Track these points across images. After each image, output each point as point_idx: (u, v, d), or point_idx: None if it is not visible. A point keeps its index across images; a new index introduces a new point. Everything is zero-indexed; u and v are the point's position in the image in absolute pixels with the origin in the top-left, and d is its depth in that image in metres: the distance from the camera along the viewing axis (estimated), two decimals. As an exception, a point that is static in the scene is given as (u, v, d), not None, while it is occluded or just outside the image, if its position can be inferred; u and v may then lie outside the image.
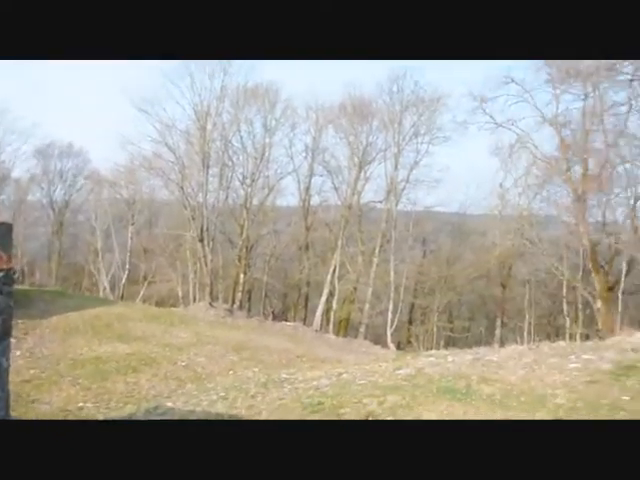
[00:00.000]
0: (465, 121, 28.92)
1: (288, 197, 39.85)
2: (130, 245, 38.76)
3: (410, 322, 36.59)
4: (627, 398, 7.72)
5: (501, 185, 32.32)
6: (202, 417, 9.04)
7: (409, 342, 33.32)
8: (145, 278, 38.32)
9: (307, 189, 37.03)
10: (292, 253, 38.40)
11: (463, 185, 47.49)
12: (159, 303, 33.45)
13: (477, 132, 30.16)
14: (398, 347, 31.08)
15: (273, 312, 36.24)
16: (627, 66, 21.95)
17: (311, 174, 36.89)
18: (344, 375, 10.35)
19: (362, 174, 34.84)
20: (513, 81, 26.18)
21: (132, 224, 39.08)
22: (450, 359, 10.64)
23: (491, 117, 27.39)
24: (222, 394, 10.43)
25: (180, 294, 35.74)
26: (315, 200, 37.70)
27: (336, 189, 36.32)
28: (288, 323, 31.05)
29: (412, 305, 36.72)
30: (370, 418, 7.47)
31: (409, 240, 34.86)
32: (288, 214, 38.88)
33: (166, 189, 36.16)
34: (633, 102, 23.25)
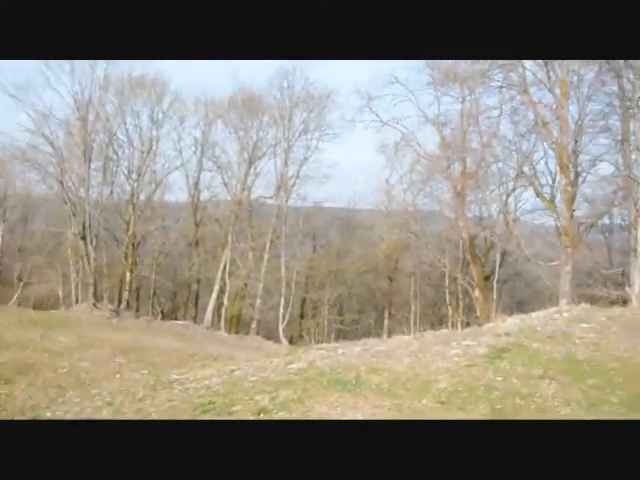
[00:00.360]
0: (353, 119, 29.60)
1: (177, 192, 38.71)
2: (1, 244, 35.79)
3: (302, 316, 36.99)
4: (500, 378, 8.34)
5: (387, 181, 33.55)
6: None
7: (301, 336, 33.70)
8: (20, 279, 35.49)
9: (196, 184, 36.28)
10: (181, 250, 37.43)
11: (351, 181, 48.73)
12: (37, 306, 31.14)
13: (364, 130, 30.98)
14: (290, 341, 31.34)
15: (162, 311, 35.11)
16: (497, 74, 23.66)
17: (200, 169, 36.21)
18: (236, 372, 10.27)
19: (252, 169, 34.71)
20: (398, 81, 27.17)
21: (4, 221, 36.07)
22: (340, 351, 10.90)
23: (377, 115, 28.25)
24: (108, 399, 9.97)
25: (61, 295, 33.57)
26: (204, 195, 37.07)
27: (226, 184, 35.90)
28: (178, 322, 30.30)
29: (303, 299, 37.14)
30: (262, 415, 7.47)
31: (299, 235, 35.17)
32: (177, 210, 37.82)
33: (44, 183, 33.76)
34: (503, 107, 25.07)
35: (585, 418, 7.10)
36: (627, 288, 19.49)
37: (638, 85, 19.76)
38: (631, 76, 19.81)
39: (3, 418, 10.19)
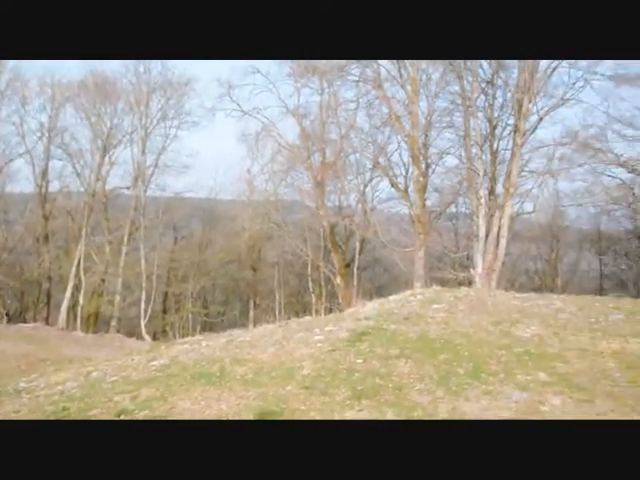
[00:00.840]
0: (213, 107, 29.27)
1: (21, 182, 35.59)
2: None
3: (164, 311, 35.88)
4: (360, 361, 8.71)
5: (249, 171, 33.51)
6: None
7: (164, 331, 32.68)
8: None
9: (44, 173, 33.50)
10: (28, 245, 34.45)
11: (212, 171, 48.04)
12: None
13: (225, 119, 30.77)
14: (154, 337, 30.33)
15: (7, 313, 32.16)
16: (354, 68, 24.55)
17: (48, 157, 33.49)
18: (94, 374, 9.70)
19: (107, 158, 32.90)
20: (259, 72, 27.19)
21: None
22: (204, 344, 10.73)
23: (238, 105, 28.11)
24: (-63, 418, 8.90)
25: None
26: (54, 186, 34.37)
27: (78, 174, 33.60)
28: (27, 324, 28.00)
29: (166, 293, 36.03)
30: (122, 416, 7.15)
31: (159, 227, 34.02)
32: (22, 201, 34.72)
33: None
34: (360, 100, 26.10)
35: (436, 391, 7.66)
36: (471, 270, 21.31)
37: (475, 87, 21.66)
38: (470, 78, 21.64)
39: None
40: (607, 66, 20.65)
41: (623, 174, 26.28)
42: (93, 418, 7.24)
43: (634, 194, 27.56)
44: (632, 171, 25.53)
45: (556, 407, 7.15)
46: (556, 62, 20.13)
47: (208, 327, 30.98)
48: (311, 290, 32.05)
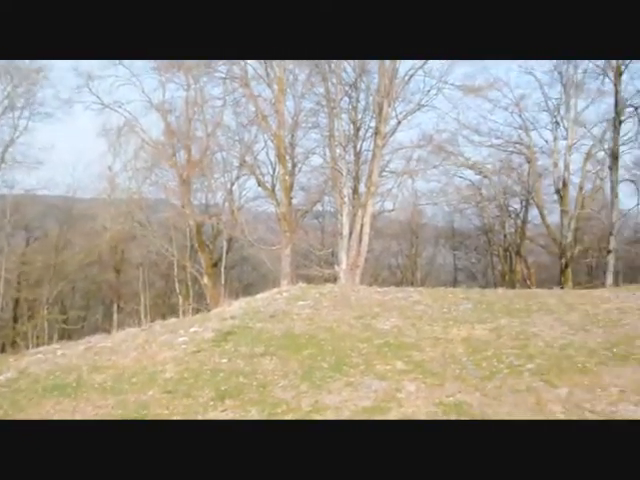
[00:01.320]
0: (70, 98, 27.41)
1: None
2: None
3: (15, 319, 32.96)
4: (225, 360, 8.67)
5: (110, 168, 31.84)
6: None
7: (14, 342, 30.06)
8: None
9: None
10: None
11: (70, 166, 44.80)
12: None
13: (84, 111, 28.87)
14: (2, 350, 27.78)
15: None
16: (221, 65, 24.27)
17: None
18: None
19: (-58, 152, 29.50)
20: (121, 63, 25.85)
21: None
22: (60, 353, 10.08)
23: (98, 97, 26.57)
24: None
25: None
26: None
27: None
28: None
29: (16, 300, 33.12)
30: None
31: (8, 227, 31.18)
32: None
33: None
34: (227, 98, 25.86)
35: (300, 386, 7.82)
36: (336, 266, 22.00)
37: (340, 89, 22.45)
38: (334, 80, 22.35)
39: None
40: (456, 77, 22.39)
41: (472, 176, 28.85)
42: None
43: (481, 194, 30.26)
44: (479, 173, 27.99)
45: (411, 393, 7.61)
46: (413, 70, 21.41)
47: (67, 334, 29.04)
48: (178, 291, 31.16)
